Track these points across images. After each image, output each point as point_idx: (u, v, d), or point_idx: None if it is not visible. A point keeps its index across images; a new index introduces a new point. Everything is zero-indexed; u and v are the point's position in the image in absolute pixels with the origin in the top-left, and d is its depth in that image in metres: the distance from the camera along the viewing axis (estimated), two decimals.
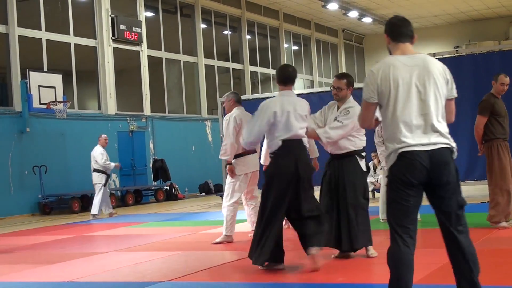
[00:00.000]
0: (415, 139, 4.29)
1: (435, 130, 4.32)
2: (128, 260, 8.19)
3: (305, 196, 6.74)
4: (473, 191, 14.08)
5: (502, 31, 32.09)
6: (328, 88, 21.10)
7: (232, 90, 10.39)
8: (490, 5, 30.00)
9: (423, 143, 4.27)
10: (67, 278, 7.16)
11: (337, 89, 7.24)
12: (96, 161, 15.22)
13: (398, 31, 4.59)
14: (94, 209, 15.05)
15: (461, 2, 29.36)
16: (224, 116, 17.54)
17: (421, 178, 4.29)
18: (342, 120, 7.03)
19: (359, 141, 7.25)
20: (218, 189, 21.40)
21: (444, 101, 4.46)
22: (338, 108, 7.25)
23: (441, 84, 4.46)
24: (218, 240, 9.42)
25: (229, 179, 9.50)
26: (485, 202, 10.89)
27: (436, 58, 15.43)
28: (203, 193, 22.73)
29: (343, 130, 7.02)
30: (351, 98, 7.31)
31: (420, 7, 30.10)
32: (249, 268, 6.95)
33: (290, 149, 6.80)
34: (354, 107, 7.16)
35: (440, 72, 4.50)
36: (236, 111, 9.48)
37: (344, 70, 34.91)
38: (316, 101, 16.66)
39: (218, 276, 6.79)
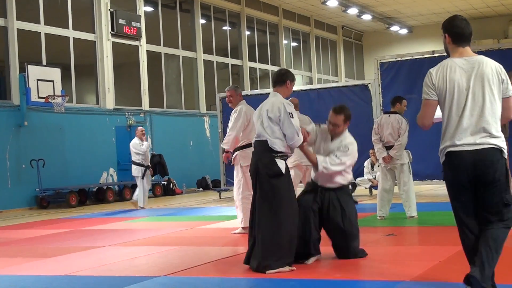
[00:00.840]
0: (462, 140, 4.65)
1: (485, 131, 4.65)
2: (125, 255, 8.19)
3: (259, 200, 6.64)
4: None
5: (501, 30, 32.10)
6: (326, 85, 21.17)
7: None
8: (490, 3, 30.00)
9: (468, 143, 4.65)
10: (63, 271, 7.16)
11: (334, 125, 7.04)
12: (135, 153, 15.58)
13: (462, 35, 4.90)
14: (139, 201, 15.57)
15: (461, 0, 29.37)
16: (224, 110, 17.66)
17: (466, 177, 4.65)
18: (341, 157, 6.94)
19: (350, 176, 7.22)
20: (216, 185, 21.42)
21: (499, 102, 4.73)
22: (332, 138, 7.10)
23: (496, 86, 4.73)
24: (237, 231, 9.73)
25: (237, 173, 9.68)
26: None
27: (435, 56, 15.40)
28: (201, 189, 22.72)
29: (341, 167, 6.97)
30: (347, 131, 7.17)
31: (420, 5, 30.09)
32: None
33: (255, 150, 6.85)
34: (353, 143, 7.09)
35: (495, 73, 4.75)
36: (245, 106, 9.70)
37: (343, 67, 34.93)
38: (314, 97, 16.72)
39: (214, 271, 6.79)
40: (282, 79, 6.86)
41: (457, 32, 4.89)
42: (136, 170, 15.63)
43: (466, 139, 4.65)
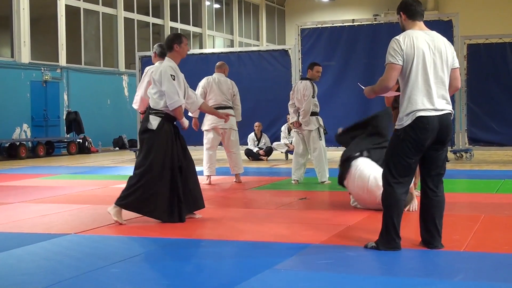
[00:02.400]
0: (430, 105, 5.16)
1: (444, 98, 5.24)
2: (35, 212, 8.05)
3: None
4: None
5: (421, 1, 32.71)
6: (247, 48, 21.15)
7: (151, 46, 10.33)
8: None
9: (435, 108, 5.17)
10: None
11: None
12: None
13: (414, 10, 5.39)
14: None
15: None
16: (143, 69, 17.42)
17: (431, 139, 5.19)
18: None
19: None
20: (132, 144, 21.24)
21: (449, 73, 5.32)
22: None
23: (449, 58, 5.32)
24: None
25: None
26: None
27: (355, 25, 15.67)
28: (117, 148, 22.50)
29: None
30: None
31: None
32: (155, 223, 6.97)
33: None
34: None
35: (448, 48, 5.34)
36: (156, 66, 9.50)
37: (264, 32, 34.94)
38: (235, 60, 16.70)
39: (125, 230, 6.76)
40: (170, 45, 7.34)
41: (409, 9, 5.39)
42: None
43: (432, 104, 5.16)
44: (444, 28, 14.45)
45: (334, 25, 15.76)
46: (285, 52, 16.38)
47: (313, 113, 10.44)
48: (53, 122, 20.68)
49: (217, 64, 11.19)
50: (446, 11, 31.14)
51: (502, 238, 5.93)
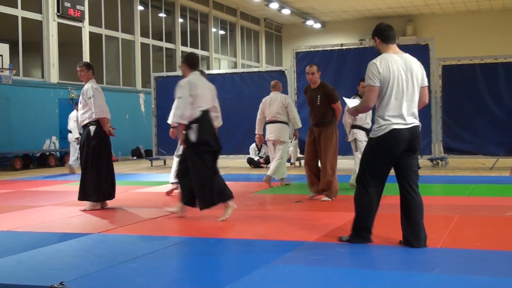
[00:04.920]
0: (403, 119, 5.19)
1: (412, 113, 5.26)
2: (63, 214, 8.05)
3: None
4: None
5: (400, 28, 32.71)
6: (249, 70, 21.16)
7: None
8: (391, 5, 30.54)
9: (406, 122, 5.20)
10: (5, 227, 6.98)
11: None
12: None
13: (388, 35, 5.39)
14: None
15: (367, 1, 29.75)
16: (157, 88, 17.49)
17: (401, 148, 5.20)
18: None
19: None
20: (148, 154, 21.23)
21: (419, 91, 5.34)
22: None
23: (419, 78, 5.32)
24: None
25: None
26: None
27: (343, 49, 15.61)
28: (135, 157, 22.49)
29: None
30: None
31: (332, 3, 30.36)
32: (172, 222, 6.97)
33: None
34: None
35: (419, 69, 5.34)
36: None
37: (264, 55, 34.98)
38: (238, 79, 16.76)
39: (143, 229, 6.75)
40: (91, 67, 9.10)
41: (384, 34, 5.37)
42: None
43: (405, 119, 5.19)
44: (422, 51, 14.47)
45: (325, 48, 15.78)
46: (282, 73, 16.39)
47: (353, 126, 10.18)
48: None
49: (271, 83, 11.22)
50: (423, 36, 31.18)
51: (474, 236, 5.92)
